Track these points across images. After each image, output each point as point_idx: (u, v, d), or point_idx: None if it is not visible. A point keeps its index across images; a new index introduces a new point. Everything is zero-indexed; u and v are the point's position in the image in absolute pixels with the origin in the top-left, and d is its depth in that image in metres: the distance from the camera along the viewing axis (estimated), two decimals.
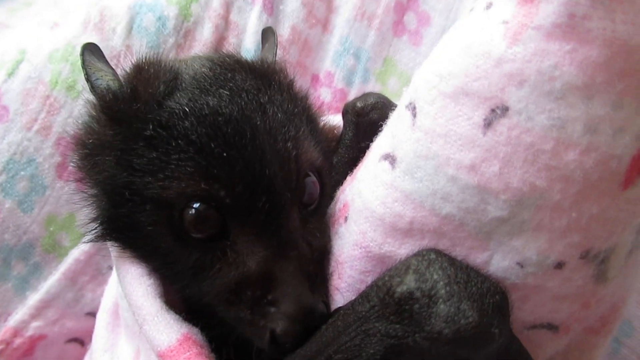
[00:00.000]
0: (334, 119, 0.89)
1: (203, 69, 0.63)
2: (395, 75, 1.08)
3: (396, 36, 1.08)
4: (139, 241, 0.63)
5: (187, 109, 0.58)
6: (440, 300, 0.48)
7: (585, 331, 0.57)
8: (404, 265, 0.52)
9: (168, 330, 0.59)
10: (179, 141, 0.57)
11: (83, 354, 0.95)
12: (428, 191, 0.51)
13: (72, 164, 0.68)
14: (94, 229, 0.66)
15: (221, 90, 0.60)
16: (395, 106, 0.79)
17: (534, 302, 0.52)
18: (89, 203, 0.67)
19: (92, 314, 0.97)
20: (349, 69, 1.06)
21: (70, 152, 0.67)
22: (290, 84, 0.71)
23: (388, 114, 0.76)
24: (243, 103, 0.59)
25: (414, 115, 0.54)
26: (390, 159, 0.56)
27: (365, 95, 0.82)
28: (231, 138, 0.57)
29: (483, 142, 0.48)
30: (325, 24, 1.06)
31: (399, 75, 1.08)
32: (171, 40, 0.96)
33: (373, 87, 1.06)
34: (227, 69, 0.64)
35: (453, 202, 0.50)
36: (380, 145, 0.60)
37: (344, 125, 0.84)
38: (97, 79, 0.64)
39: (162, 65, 0.63)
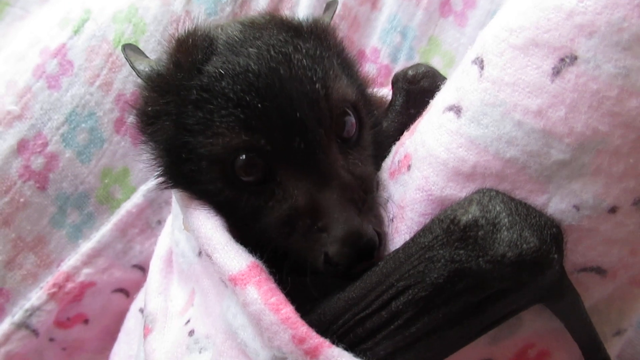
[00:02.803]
0: (381, 91, 0.93)
1: (235, 32, 0.69)
2: (439, 54, 1.12)
3: (442, 16, 1.13)
4: (201, 192, 0.69)
5: (222, 71, 0.64)
6: (504, 227, 0.52)
7: (629, 281, 0.60)
8: (467, 200, 0.56)
9: (238, 257, 0.63)
10: (219, 100, 0.63)
11: (127, 305, 1.00)
12: (493, 136, 0.56)
13: (135, 129, 0.76)
14: (160, 181, 0.74)
15: (250, 49, 0.65)
16: (444, 77, 0.84)
17: (586, 244, 0.56)
18: (153, 161, 0.73)
19: (138, 267, 1.02)
20: (394, 46, 1.11)
21: (131, 117, 0.75)
22: (323, 34, 0.75)
23: (437, 82, 0.81)
24: (269, 57, 0.64)
25: (482, 68, 0.58)
26: (456, 109, 0.59)
27: (416, 65, 0.87)
28: (262, 91, 0.63)
29: (551, 89, 0.52)
30: (374, 2, 1.11)
31: (443, 55, 1.12)
32: (228, 9, 1.01)
33: None
34: (255, 28, 0.70)
35: (517, 145, 0.54)
36: (443, 99, 0.63)
37: (393, 92, 0.88)
38: (141, 64, 0.72)
39: (199, 34, 0.69)
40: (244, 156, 0.64)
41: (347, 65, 0.75)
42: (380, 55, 1.11)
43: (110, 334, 1.01)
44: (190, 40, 0.69)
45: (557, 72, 0.52)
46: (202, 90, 0.64)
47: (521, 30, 0.54)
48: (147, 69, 0.71)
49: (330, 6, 0.85)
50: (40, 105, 0.94)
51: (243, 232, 0.67)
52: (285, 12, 1.04)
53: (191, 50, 0.67)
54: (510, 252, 0.51)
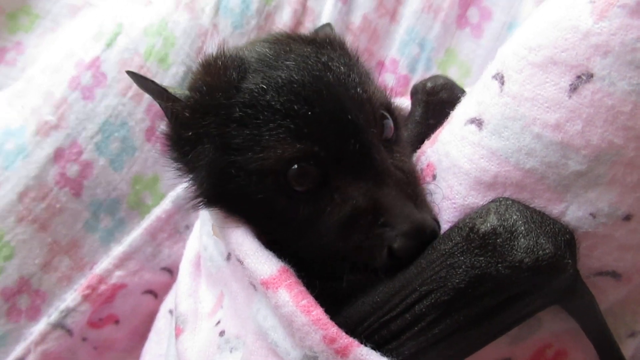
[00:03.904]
0: (399, 101, 0.96)
1: (264, 50, 0.70)
2: (455, 65, 1.16)
3: (459, 28, 1.17)
4: (249, 208, 0.69)
5: (265, 86, 0.65)
6: (520, 235, 0.56)
7: None
8: (484, 209, 0.59)
9: (269, 262, 0.65)
10: (266, 114, 0.64)
11: (156, 306, 1.04)
12: (514, 148, 0.59)
13: (167, 158, 0.74)
14: (197, 202, 0.73)
15: (286, 62, 0.66)
16: (461, 89, 0.87)
17: (602, 250, 0.59)
18: (191, 185, 0.73)
19: (167, 269, 1.06)
20: (413, 57, 1.15)
21: (163, 148, 0.75)
22: (342, 44, 0.76)
23: (455, 94, 0.84)
24: (309, 66, 0.66)
25: (502, 83, 0.61)
26: (477, 122, 0.63)
27: (434, 77, 0.90)
28: (310, 98, 0.63)
29: (568, 104, 0.56)
30: (393, 14, 1.15)
31: (459, 65, 1.16)
32: (253, 22, 1.05)
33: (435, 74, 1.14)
34: (283, 43, 0.71)
35: (537, 157, 0.58)
36: (464, 112, 0.67)
37: (412, 103, 0.91)
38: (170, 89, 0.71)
39: (227, 55, 0.70)
40: (296, 166, 0.64)
41: (367, 72, 0.77)
42: (398, 66, 1.14)
43: (139, 334, 1.05)
44: (220, 62, 0.69)
45: (574, 88, 0.56)
46: (246, 106, 0.65)
47: (540, 49, 0.58)
48: (174, 96, 0.70)
49: (324, 28, 0.88)
50: (76, 116, 0.98)
51: (274, 239, 0.69)
52: (308, 24, 1.08)
53: (224, 71, 0.68)
54: (527, 258, 0.55)
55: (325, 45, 0.72)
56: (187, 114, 0.69)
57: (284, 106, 0.63)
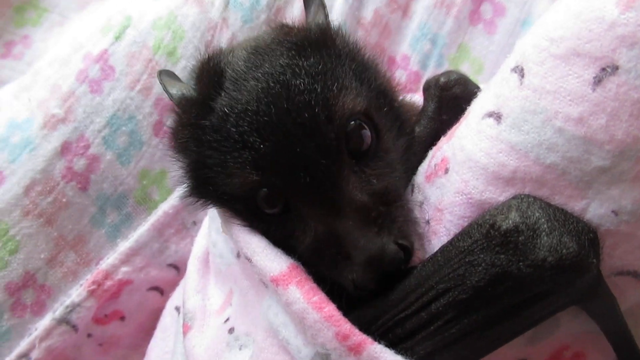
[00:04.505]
0: (412, 97, 0.95)
1: (239, 62, 0.67)
2: (468, 61, 1.14)
3: (472, 24, 1.15)
4: (238, 216, 0.71)
5: (227, 110, 0.64)
6: (544, 233, 0.54)
7: None
8: (505, 206, 0.58)
9: (278, 259, 0.65)
10: (229, 141, 0.63)
11: (161, 303, 1.03)
12: (534, 142, 0.57)
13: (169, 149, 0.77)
14: (192, 199, 0.75)
15: (250, 83, 0.64)
16: (475, 84, 0.86)
17: (624, 249, 0.57)
18: (183, 176, 0.74)
19: (173, 265, 1.05)
20: (424, 53, 1.13)
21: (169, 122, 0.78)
22: (330, 40, 0.71)
23: (469, 89, 0.82)
24: (267, 90, 0.63)
25: (522, 76, 0.60)
26: (496, 115, 0.61)
27: (447, 72, 0.88)
28: (261, 130, 0.62)
29: (592, 98, 0.54)
30: (405, 10, 1.13)
31: (472, 62, 1.14)
32: (263, 16, 1.04)
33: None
34: (258, 53, 0.68)
35: (558, 152, 0.56)
36: (482, 105, 0.65)
37: (425, 99, 0.89)
38: (174, 89, 0.73)
39: (211, 64, 0.69)
40: (264, 189, 0.65)
41: (364, 68, 0.73)
42: (410, 62, 1.13)
43: (145, 331, 1.04)
44: (204, 72, 0.69)
45: (598, 81, 0.54)
46: (214, 131, 0.65)
47: (562, 40, 0.56)
48: (178, 94, 0.72)
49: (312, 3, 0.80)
50: (83, 109, 0.97)
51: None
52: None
53: (204, 84, 0.68)
54: (551, 257, 0.53)
55: (305, 47, 0.68)
56: (176, 122, 0.72)
57: (241, 137, 0.63)
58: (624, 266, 0.59)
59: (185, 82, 0.76)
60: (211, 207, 0.76)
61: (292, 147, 0.62)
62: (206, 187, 0.69)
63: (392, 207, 0.65)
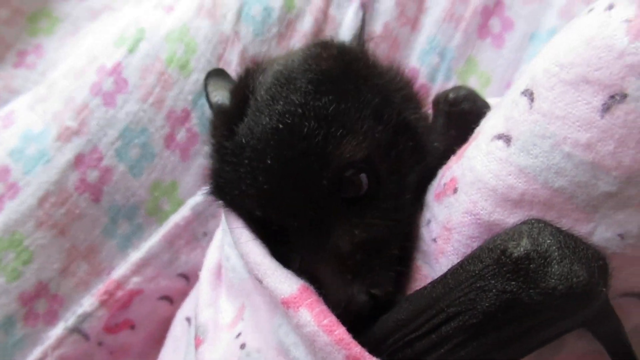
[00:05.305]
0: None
1: (262, 90, 0.69)
2: (475, 75, 1.15)
3: (480, 38, 1.16)
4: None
5: (244, 141, 0.67)
6: (554, 261, 0.55)
7: None
8: (516, 231, 0.58)
9: (289, 281, 0.66)
10: (244, 169, 0.67)
11: (171, 312, 1.04)
12: (543, 166, 0.58)
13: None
14: (212, 198, 0.78)
15: (265, 120, 0.66)
16: (484, 100, 0.87)
17: (629, 271, 0.58)
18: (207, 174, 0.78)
19: (183, 275, 1.06)
20: (433, 67, 1.14)
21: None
22: (358, 73, 0.72)
23: (478, 105, 0.83)
24: (275, 132, 0.65)
25: (532, 100, 0.60)
26: (505, 138, 0.62)
27: (456, 88, 0.88)
28: (264, 172, 0.66)
29: (600, 124, 0.55)
30: (414, 23, 1.14)
31: (479, 75, 1.15)
32: (274, 30, 1.05)
33: (454, 84, 1.13)
34: (281, 84, 0.68)
35: (566, 176, 0.57)
36: (492, 127, 0.66)
37: (434, 114, 0.91)
38: (218, 95, 0.79)
39: (242, 86, 0.72)
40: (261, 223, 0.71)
41: (386, 104, 0.72)
42: (418, 75, 1.14)
43: (154, 340, 1.05)
44: (237, 89, 0.74)
45: (606, 108, 0.55)
46: (232, 155, 0.69)
47: (572, 67, 0.57)
48: (218, 102, 0.77)
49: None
50: (97, 122, 0.99)
51: None
52: (329, 32, 1.08)
53: (234, 104, 0.72)
54: (561, 285, 0.54)
55: (326, 82, 0.68)
56: (210, 125, 0.78)
57: (250, 173, 0.67)
58: (629, 288, 0.59)
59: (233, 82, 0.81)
60: (228, 209, 0.78)
61: (288, 193, 0.66)
62: (224, 192, 0.73)
63: (373, 257, 0.67)
